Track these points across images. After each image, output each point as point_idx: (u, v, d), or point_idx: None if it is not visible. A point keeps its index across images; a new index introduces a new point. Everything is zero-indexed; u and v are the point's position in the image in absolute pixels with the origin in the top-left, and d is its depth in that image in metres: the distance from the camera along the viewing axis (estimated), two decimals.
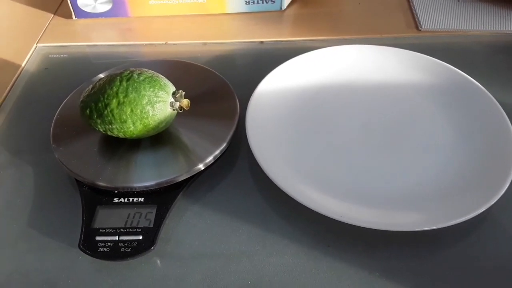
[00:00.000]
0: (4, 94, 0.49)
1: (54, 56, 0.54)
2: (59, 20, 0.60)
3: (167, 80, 0.38)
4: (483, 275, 0.33)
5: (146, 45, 0.56)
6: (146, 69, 0.38)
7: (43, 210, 0.38)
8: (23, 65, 0.53)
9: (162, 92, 0.37)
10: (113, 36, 0.57)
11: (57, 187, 0.40)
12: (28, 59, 0.54)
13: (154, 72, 0.38)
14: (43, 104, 0.48)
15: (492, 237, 0.35)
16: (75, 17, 0.59)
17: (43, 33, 0.58)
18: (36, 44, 0.56)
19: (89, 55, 0.55)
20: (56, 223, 0.37)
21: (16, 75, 0.52)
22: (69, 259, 0.35)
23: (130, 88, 0.36)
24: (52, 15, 0.61)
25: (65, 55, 0.54)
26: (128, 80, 0.36)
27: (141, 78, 0.37)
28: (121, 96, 0.36)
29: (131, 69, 0.38)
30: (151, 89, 0.36)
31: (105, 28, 0.58)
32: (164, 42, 0.56)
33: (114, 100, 0.36)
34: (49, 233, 0.37)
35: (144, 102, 0.36)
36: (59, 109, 0.43)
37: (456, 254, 0.34)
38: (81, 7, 0.58)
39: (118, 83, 0.36)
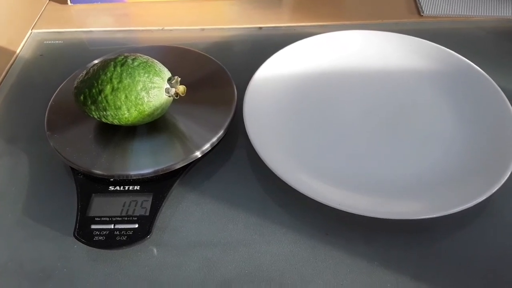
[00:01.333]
0: (0, 80, 0.49)
1: (49, 42, 0.53)
2: (54, 5, 0.59)
3: (162, 66, 0.37)
4: (482, 264, 0.33)
5: (142, 31, 0.55)
6: (141, 55, 0.37)
7: (38, 198, 0.38)
8: (18, 51, 0.52)
9: (157, 78, 0.36)
10: (109, 22, 0.56)
11: (51, 175, 0.39)
12: (23, 45, 0.53)
13: (149, 58, 0.37)
14: (38, 91, 0.47)
15: (491, 225, 0.35)
16: (71, 3, 0.58)
17: (38, 19, 0.57)
18: (31, 30, 0.55)
19: (84, 41, 0.54)
20: (51, 211, 0.37)
21: (11, 62, 0.51)
22: (65, 248, 0.34)
23: (125, 74, 0.35)
24: (47, 0, 0.60)
25: (60, 41, 0.54)
26: (122, 65, 0.36)
27: (136, 63, 0.36)
28: (115, 82, 0.35)
29: (125, 54, 0.37)
30: (146, 75, 0.36)
31: (101, 14, 0.57)
32: (161, 28, 0.55)
33: (108, 86, 0.35)
34: (44, 222, 0.36)
35: (139, 88, 0.35)
36: (53, 95, 0.42)
37: (455, 242, 0.34)
38: None
39: (112, 69, 0.36)
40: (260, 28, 0.55)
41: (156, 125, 0.40)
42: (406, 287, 0.32)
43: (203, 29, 0.55)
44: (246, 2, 0.58)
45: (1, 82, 0.49)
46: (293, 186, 0.35)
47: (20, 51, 0.53)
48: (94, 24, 0.56)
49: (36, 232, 0.35)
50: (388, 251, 0.33)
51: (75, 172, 0.37)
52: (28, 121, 0.44)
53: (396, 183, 0.36)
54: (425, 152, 0.39)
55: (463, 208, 0.33)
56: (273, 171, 0.36)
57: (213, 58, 0.46)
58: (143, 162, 0.37)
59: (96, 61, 0.45)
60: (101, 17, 0.56)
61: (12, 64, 0.51)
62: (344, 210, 0.33)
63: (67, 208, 0.36)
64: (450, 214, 0.33)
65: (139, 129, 0.39)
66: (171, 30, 0.55)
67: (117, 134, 0.39)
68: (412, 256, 0.33)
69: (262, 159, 0.36)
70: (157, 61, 0.37)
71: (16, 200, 0.38)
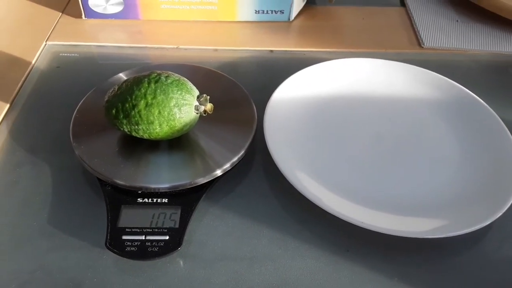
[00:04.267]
0: (16, 90, 0.49)
1: (65, 54, 0.54)
2: (68, 19, 0.60)
3: (192, 84, 0.39)
4: (496, 280, 0.35)
5: (157, 48, 0.56)
6: (172, 73, 0.39)
7: (63, 208, 0.38)
8: (33, 62, 0.53)
9: (189, 95, 0.38)
10: (124, 38, 0.57)
11: (76, 186, 0.40)
12: (38, 56, 0.54)
13: (180, 76, 0.39)
14: (57, 102, 0.48)
15: (501, 244, 0.37)
16: (85, 17, 0.59)
17: (52, 31, 0.57)
18: (46, 42, 0.56)
19: (100, 56, 0.55)
20: (77, 222, 0.37)
21: (27, 72, 0.51)
22: (93, 258, 0.35)
23: (159, 90, 0.37)
24: (60, 13, 0.60)
25: (76, 54, 0.54)
26: (156, 82, 0.37)
27: (169, 80, 0.37)
28: (149, 97, 0.36)
29: (158, 71, 0.38)
30: (179, 92, 0.37)
31: (116, 30, 0.58)
32: (175, 46, 0.56)
33: (142, 102, 0.36)
34: (70, 232, 0.36)
35: (172, 104, 0.37)
36: (77, 108, 0.43)
37: (468, 261, 0.36)
38: (91, 7, 0.58)
39: (147, 85, 0.37)
40: (271, 51, 0.57)
41: (178, 141, 0.41)
42: None
43: (216, 50, 0.57)
44: (257, 26, 0.60)
45: (18, 91, 0.49)
46: (317, 204, 0.36)
47: (36, 62, 0.53)
48: (109, 39, 0.57)
49: (63, 242, 0.36)
50: (407, 268, 0.35)
51: (102, 183, 0.38)
52: (48, 132, 0.44)
53: (409, 203, 0.39)
54: (434, 176, 0.41)
55: (474, 229, 0.35)
56: (297, 189, 0.37)
57: (230, 77, 0.47)
58: (170, 176, 0.38)
59: (121, 75, 0.47)
60: (116, 33, 0.58)
61: (28, 75, 0.51)
62: (367, 228, 0.35)
63: (93, 218, 0.37)
64: (459, 235, 0.35)
65: (161, 144, 0.41)
66: (185, 49, 0.56)
67: (141, 148, 0.40)
68: (429, 272, 0.35)
69: (286, 178, 0.38)
70: (187, 80, 0.39)
71: (40, 209, 0.38)
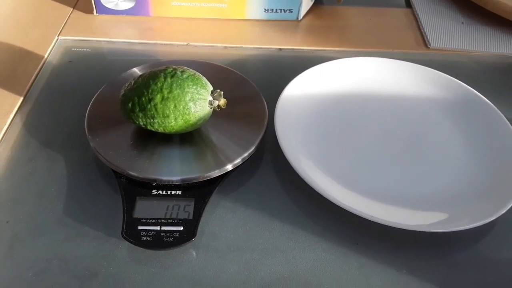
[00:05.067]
0: (29, 84, 0.50)
1: (77, 49, 0.55)
2: (79, 14, 0.60)
3: (206, 79, 0.40)
4: (504, 276, 0.36)
5: (167, 45, 0.57)
6: (187, 68, 0.40)
7: (78, 199, 0.39)
8: (45, 56, 0.53)
9: (203, 90, 0.38)
10: (135, 34, 0.58)
11: (91, 177, 0.41)
12: (50, 50, 0.54)
13: (195, 71, 0.40)
14: (70, 96, 0.48)
15: (507, 239, 0.38)
16: (96, 13, 0.60)
17: (63, 26, 0.58)
18: (57, 36, 0.57)
19: (111, 51, 0.56)
20: (92, 212, 0.38)
21: (40, 66, 0.52)
22: (108, 248, 0.36)
23: (175, 85, 0.37)
24: (72, 9, 0.61)
25: (88, 49, 0.55)
26: (172, 76, 0.38)
27: (185, 75, 0.38)
28: (165, 91, 0.37)
29: (174, 66, 0.39)
30: (194, 87, 0.38)
31: (127, 26, 0.59)
32: (186, 43, 0.57)
33: (159, 95, 0.37)
34: (85, 222, 0.37)
35: (187, 98, 0.37)
36: (91, 101, 0.44)
37: (475, 256, 0.37)
38: (103, 3, 0.59)
39: (163, 79, 0.38)
40: (280, 49, 0.58)
41: (189, 135, 0.42)
42: None
43: (226, 47, 0.57)
44: (266, 24, 0.61)
45: (32, 85, 0.50)
46: (327, 197, 0.37)
47: (48, 56, 0.54)
48: (120, 35, 0.57)
49: (78, 232, 0.37)
50: (415, 261, 0.36)
51: (117, 175, 0.38)
52: (62, 125, 0.45)
53: (418, 198, 0.40)
54: (440, 173, 0.42)
55: (481, 224, 0.36)
56: (307, 182, 0.38)
57: (242, 74, 0.48)
58: (183, 169, 0.39)
59: (135, 69, 0.47)
60: (127, 29, 0.58)
61: (40, 69, 0.52)
62: (377, 221, 0.36)
63: (108, 209, 0.38)
64: (466, 229, 0.36)
65: (173, 138, 0.41)
66: (195, 46, 0.57)
67: (153, 141, 0.41)
68: (437, 265, 0.36)
69: (296, 171, 0.39)
70: (201, 75, 0.40)
71: (56, 200, 0.39)
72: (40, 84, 0.50)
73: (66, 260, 0.35)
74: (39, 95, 0.49)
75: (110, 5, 0.59)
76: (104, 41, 0.57)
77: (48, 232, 0.37)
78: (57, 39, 0.56)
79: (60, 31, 0.57)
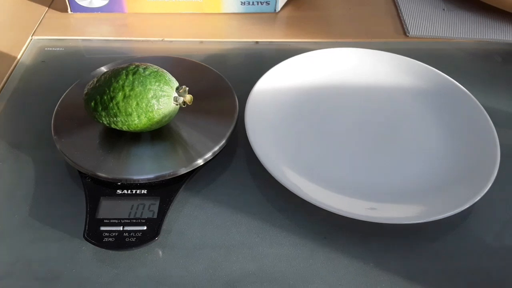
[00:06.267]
0: (1, 85, 0.49)
1: (50, 49, 0.54)
2: (54, 13, 0.60)
3: (171, 76, 0.39)
4: (470, 264, 0.35)
5: (142, 41, 0.56)
6: (151, 64, 0.39)
7: (44, 201, 0.39)
8: (18, 57, 0.53)
9: (167, 86, 0.38)
10: (109, 31, 0.57)
11: (57, 179, 0.40)
12: (23, 51, 0.54)
13: (159, 67, 0.39)
14: (41, 96, 0.48)
15: (478, 230, 0.38)
16: (71, 11, 0.59)
17: (38, 26, 0.58)
18: (31, 36, 0.56)
19: (85, 49, 0.55)
20: (57, 214, 0.38)
21: (12, 67, 0.52)
22: (72, 249, 0.35)
23: (136, 82, 0.37)
24: (47, 8, 0.61)
25: (61, 49, 0.55)
26: (134, 74, 0.37)
27: (147, 72, 0.38)
28: (127, 89, 0.37)
29: (136, 63, 0.39)
30: (157, 83, 0.37)
31: (101, 23, 0.58)
32: (161, 39, 0.57)
33: (120, 93, 0.37)
34: (51, 224, 0.37)
35: (150, 96, 0.37)
36: (59, 101, 0.43)
37: (445, 244, 0.36)
38: (77, 1, 0.58)
39: (124, 77, 0.37)
40: (257, 42, 0.57)
41: (160, 132, 0.41)
42: (399, 286, 0.34)
43: (201, 42, 0.57)
44: (243, 17, 0.60)
45: (4, 86, 0.49)
46: (293, 192, 0.37)
47: (21, 56, 0.53)
48: (95, 33, 0.57)
49: (43, 234, 0.36)
50: (382, 254, 0.36)
51: (82, 175, 0.38)
52: (31, 126, 0.45)
53: (390, 190, 0.39)
54: (416, 163, 0.42)
55: (450, 214, 0.36)
56: (275, 177, 0.38)
57: (214, 69, 0.48)
58: (150, 167, 0.38)
59: (103, 68, 0.47)
60: (102, 26, 0.58)
61: (13, 69, 0.51)
62: (344, 215, 0.35)
63: (73, 210, 0.38)
64: (438, 220, 0.35)
65: (143, 136, 0.41)
66: (170, 41, 0.56)
67: (122, 140, 0.40)
68: (404, 258, 0.36)
69: (264, 166, 0.38)
70: (166, 71, 0.39)
71: (22, 202, 0.38)
72: (12, 86, 0.50)
73: (29, 263, 0.35)
74: (11, 97, 0.48)
75: (84, 3, 0.58)
76: (78, 39, 0.56)
77: (12, 234, 0.36)
78: (31, 39, 0.56)
79: (34, 31, 0.57)
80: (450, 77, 0.48)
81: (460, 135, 0.44)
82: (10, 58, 0.53)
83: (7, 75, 0.51)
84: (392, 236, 0.37)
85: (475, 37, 0.57)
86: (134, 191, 0.37)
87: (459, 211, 0.36)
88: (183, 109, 0.40)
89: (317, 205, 0.36)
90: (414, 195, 0.38)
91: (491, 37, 0.57)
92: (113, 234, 0.34)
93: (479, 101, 0.46)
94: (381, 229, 0.37)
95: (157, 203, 0.37)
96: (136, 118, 0.37)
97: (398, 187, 0.39)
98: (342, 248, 0.36)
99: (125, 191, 0.37)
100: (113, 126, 0.38)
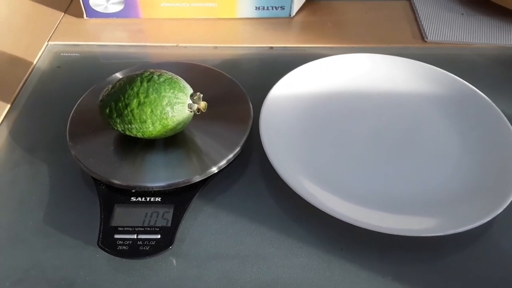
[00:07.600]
0: (17, 90, 0.50)
1: (66, 54, 0.55)
2: (70, 18, 0.60)
3: (185, 82, 0.39)
4: (492, 279, 0.34)
5: (157, 46, 0.56)
6: (165, 71, 0.39)
7: (58, 207, 0.39)
8: (34, 62, 0.53)
9: (181, 94, 0.38)
10: (124, 37, 0.57)
11: (71, 185, 0.40)
12: (39, 56, 0.54)
13: (173, 74, 0.39)
14: (56, 102, 0.48)
15: (500, 242, 0.36)
16: (86, 17, 0.59)
17: (54, 31, 0.58)
18: (47, 42, 0.56)
19: (100, 55, 0.55)
20: (72, 220, 0.38)
21: (28, 72, 0.52)
22: (86, 257, 0.35)
23: (151, 89, 0.37)
24: (63, 13, 0.61)
25: (77, 54, 0.55)
26: (148, 81, 0.37)
27: (162, 79, 0.37)
28: (141, 96, 0.37)
29: (151, 70, 0.38)
30: (171, 91, 0.37)
31: (117, 29, 0.58)
32: (175, 44, 0.56)
33: (135, 100, 0.36)
34: (65, 231, 0.37)
35: (164, 103, 0.37)
36: (74, 107, 0.43)
37: (463, 260, 0.35)
38: (93, 6, 0.58)
39: (139, 84, 0.37)
40: (271, 47, 0.56)
41: (174, 140, 0.41)
42: None
43: (216, 47, 0.56)
44: (257, 23, 0.60)
45: (20, 92, 0.50)
46: (309, 201, 0.36)
47: (37, 62, 0.54)
48: (110, 38, 0.57)
49: (57, 241, 0.36)
50: (401, 266, 0.35)
51: (97, 182, 0.38)
52: (47, 132, 0.45)
53: (407, 201, 0.38)
54: (433, 172, 0.41)
55: (470, 228, 0.34)
56: (290, 186, 0.37)
57: (228, 75, 0.47)
58: (164, 174, 0.38)
59: (118, 74, 0.47)
60: (117, 32, 0.58)
61: (29, 75, 0.52)
62: (360, 226, 0.34)
63: (87, 217, 0.37)
64: (457, 233, 0.34)
65: (157, 143, 0.41)
66: (185, 47, 0.56)
67: (137, 147, 0.40)
68: (424, 271, 0.35)
69: (279, 174, 0.38)
70: (180, 78, 0.39)
71: (36, 208, 0.38)
72: (28, 91, 0.50)
73: (43, 269, 0.34)
74: (26, 102, 0.48)
75: (99, 9, 0.58)
76: (93, 45, 0.56)
77: (27, 241, 0.36)
78: (47, 44, 0.56)
79: (50, 36, 0.57)
80: (470, 83, 0.47)
81: (481, 144, 0.43)
82: (26, 64, 0.53)
83: (23, 80, 0.51)
84: (411, 249, 0.36)
85: (495, 42, 0.56)
86: (148, 198, 0.37)
87: (481, 223, 0.35)
88: (197, 116, 0.39)
89: (333, 215, 0.35)
90: (434, 206, 0.37)
91: (511, 43, 0.56)
92: (127, 242, 0.34)
93: (499, 108, 0.44)
94: (400, 241, 0.36)
95: (171, 211, 0.36)
96: (150, 125, 0.37)
97: (417, 198, 0.38)
98: (359, 260, 0.35)
99: (139, 199, 0.37)
100: (127, 133, 0.38)
